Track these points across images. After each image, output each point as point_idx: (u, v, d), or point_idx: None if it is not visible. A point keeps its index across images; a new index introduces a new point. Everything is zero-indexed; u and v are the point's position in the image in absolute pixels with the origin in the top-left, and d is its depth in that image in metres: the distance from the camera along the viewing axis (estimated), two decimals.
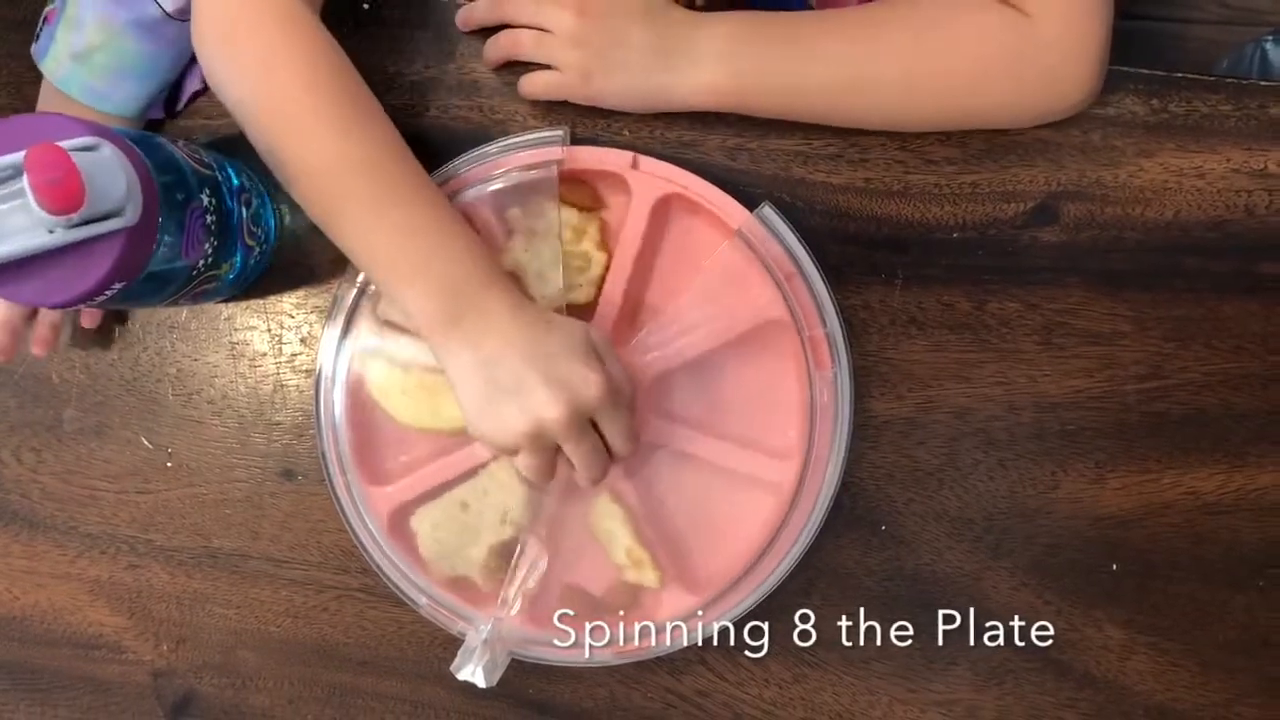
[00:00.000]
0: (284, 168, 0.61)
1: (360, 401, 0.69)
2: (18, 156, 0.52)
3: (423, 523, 0.70)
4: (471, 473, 0.69)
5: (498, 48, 0.68)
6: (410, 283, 0.60)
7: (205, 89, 0.71)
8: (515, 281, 0.66)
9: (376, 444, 0.70)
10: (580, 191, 0.69)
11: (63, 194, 0.51)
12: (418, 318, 0.61)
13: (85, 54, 0.66)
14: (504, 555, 0.69)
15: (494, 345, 0.60)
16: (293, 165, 0.61)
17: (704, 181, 0.67)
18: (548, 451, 0.61)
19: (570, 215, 0.68)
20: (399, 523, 0.69)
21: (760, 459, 0.68)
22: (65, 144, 0.52)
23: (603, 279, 0.68)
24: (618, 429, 0.62)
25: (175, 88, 0.71)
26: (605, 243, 0.69)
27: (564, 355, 0.60)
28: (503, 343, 0.60)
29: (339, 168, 0.61)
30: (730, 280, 0.67)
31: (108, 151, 0.54)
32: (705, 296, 0.67)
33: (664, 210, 0.68)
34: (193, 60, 0.70)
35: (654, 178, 0.67)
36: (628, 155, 0.67)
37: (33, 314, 0.71)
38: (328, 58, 0.62)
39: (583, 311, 0.68)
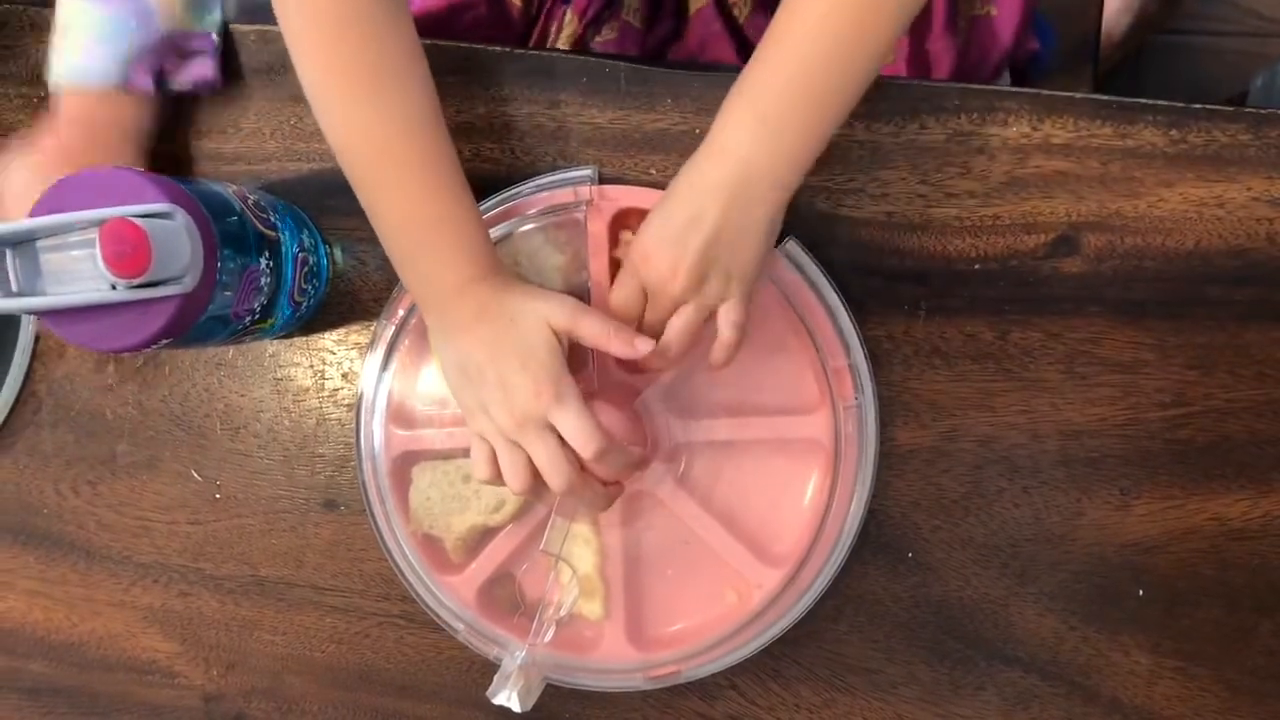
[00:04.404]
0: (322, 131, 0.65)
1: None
2: (99, 216, 0.56)
3: (423, 474, 0.72)
4: None
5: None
6: (402, 263, 0.66)
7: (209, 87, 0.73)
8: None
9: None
10: None
11: (130, 264, 0.55)
12: (412, 293, 0.67)
13: (62, 35, 0.69)
14: (483, 538, 0.72)
15: (465, 338, 0.63)
16: (320, 123, 0.65)
17: (817, 304, 0.69)
18: (514, 448, 0.63)
19: None
20: (404, 466, 0.72)
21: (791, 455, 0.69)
22: (141, 209, 0.56)
23: None
24: (569, 430, 0.61)
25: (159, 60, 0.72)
26: None
27: (514, 357, 0.62)
28: (473, 339, 0.63)
29: (352, 140, 0.64)
30: (755, 314, 0.69)
31: (179, 220, 0.58)
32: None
33: (762, 301, 0.68)
34: (180, 50, 0.72)
35: None
36: None
37: None
38: (365, 27, 0.62)
39: None
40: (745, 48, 0.84)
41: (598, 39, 0.84)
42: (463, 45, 0.72)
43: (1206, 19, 1.42)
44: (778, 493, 0.71)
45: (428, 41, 0.71)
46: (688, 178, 0.63)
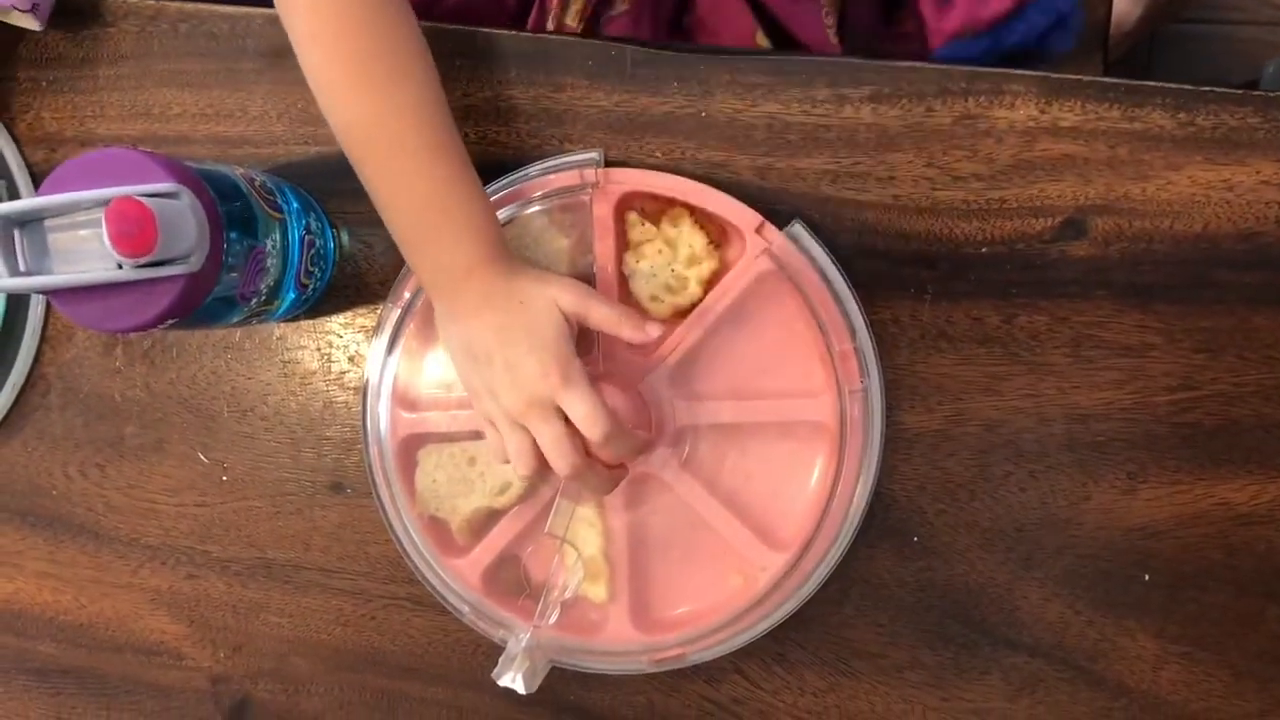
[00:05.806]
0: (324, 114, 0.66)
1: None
2: (105, 195, 0.56)
3: (429, 457, 0.72)
4: None
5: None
6: (411, 250, 0.66)
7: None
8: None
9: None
10: (715, 227, 0.70)
11: (136, 243, 0.56)
12: (421, 279, 0.68)
13: None
14: (488, 520, 0.72)
15: (473, 322, 0.64)
16: (326, 115, 0.65)
17: (823, 287, 0.68)
18: (519, 431, 0.63)
19: (698, 240, 0.69)
20: (410, 449, 0.73)
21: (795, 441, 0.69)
22: (147, 188, 0.57)
23: (686, 311, 0.69)
24: (578, 413, 0.62)
25: None
26: (711, 282, 0.69)
27: (523, 341, 0.62)
28: (481, 323, 0.63)
29: (358, 127, 0.64)
30: (761, 298, 0.69)
31: (186, 200, 0.58)
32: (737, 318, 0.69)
33: (768, 284, 0.69)
34: None
35: (765, 255, 0.68)
36: (756, 217, 0.68)
37: None
38: (373, 25, 0.63)
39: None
40: (755, 5, 0.84)
41: (610, 13, 0.84)
42: (469, 28, 0.72)
43: (1220, 7, 1.42)
44: (783, 476, 0.71)
45: (434, 25, 0.72)
46: None
